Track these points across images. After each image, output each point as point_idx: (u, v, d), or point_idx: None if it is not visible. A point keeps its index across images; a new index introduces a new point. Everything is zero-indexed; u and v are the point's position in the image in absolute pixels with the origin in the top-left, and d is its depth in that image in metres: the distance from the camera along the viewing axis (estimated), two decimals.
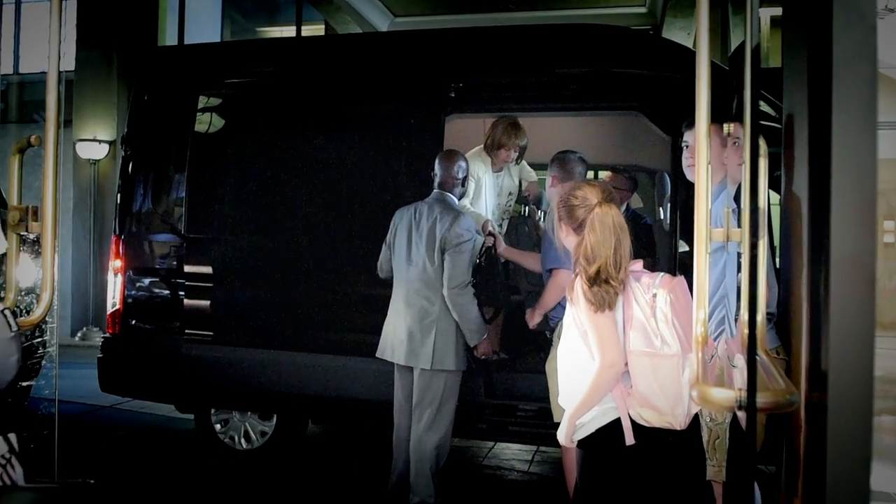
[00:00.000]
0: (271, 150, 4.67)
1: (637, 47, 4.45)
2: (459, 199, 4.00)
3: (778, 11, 5.55)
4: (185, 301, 4.73)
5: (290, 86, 4.75)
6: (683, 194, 3.78)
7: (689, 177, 3.04)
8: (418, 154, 4.25)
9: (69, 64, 10.33)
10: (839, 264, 1.84)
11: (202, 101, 4.87)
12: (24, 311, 3.93)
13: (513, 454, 5.25)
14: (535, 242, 4.82)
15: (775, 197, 2.86)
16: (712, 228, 1.78)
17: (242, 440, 4.80)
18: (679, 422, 2.44)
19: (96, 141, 10.59)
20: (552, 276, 3.69)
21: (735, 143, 2.49)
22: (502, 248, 4.14)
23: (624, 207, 4.55)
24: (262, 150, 4.70)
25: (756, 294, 1.71)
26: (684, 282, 2.48)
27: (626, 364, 2.46)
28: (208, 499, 4.33)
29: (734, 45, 8.54)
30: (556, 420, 3.18)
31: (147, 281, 4.88)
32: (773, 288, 2.74)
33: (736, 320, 2.67)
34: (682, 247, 3.85)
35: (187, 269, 4.74)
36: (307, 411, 4.81)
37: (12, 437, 1.94)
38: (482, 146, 4.47)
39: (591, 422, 2.51)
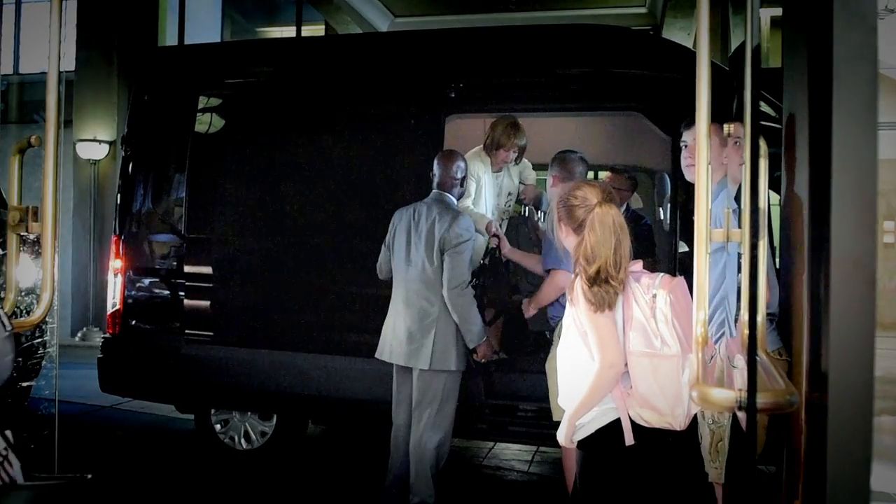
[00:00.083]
0: (271, 150, 4.67)
1: (637, 48, 4.45)
2: (458, 200, 4.00)
3: (778, 12, 5.55)
4: (185, 301, 4.73)
5: (291, 86, 4.75)
6: (683, 195, 3.78)
7: (687, 177, 3.04)
8: (418, 154, 4.25)
9: (69, 64, 10.33)
10: (839, 264, 1.84)
11: (202, 102, 4.87)
12: (24, 311, 3.94)
13: (513, 454, 5.25)
14: (535, 243, 4.82)
15: (775, 197, 2.86)
16: (712, 229, 1.78)
17: (242, 440, 4.80)
18: (679, 422, 2.44)
19: (96, 141, 10.59)
20: (550, 275, 3.70)
21: (736, 142, 2.49)
22: (507, 248, 4.14)
23: (624, 208, 4.55)
24: (262, 151, 4.69)
25: (756, 294, 1.71)
26: (684, 282, 2.48)
27: (626, 364, 2.46)
28: (208, 499, 4.33)
29: (734, 45, 8.54)
30: (555, 419, 3.18)
31: (147, 281, 4.88)
32: (774, 289, 2.74)
33: (736, 321, 2.67)
34: (682, 247, 3.85)
35: (187, 269, 4.73)
36: (307, 411, 4.81)
37: (8, 433, 1.94)
38: (481, 146, 4.47)
39: (591, 422, 2.51)
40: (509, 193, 4.67)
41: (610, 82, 4.22)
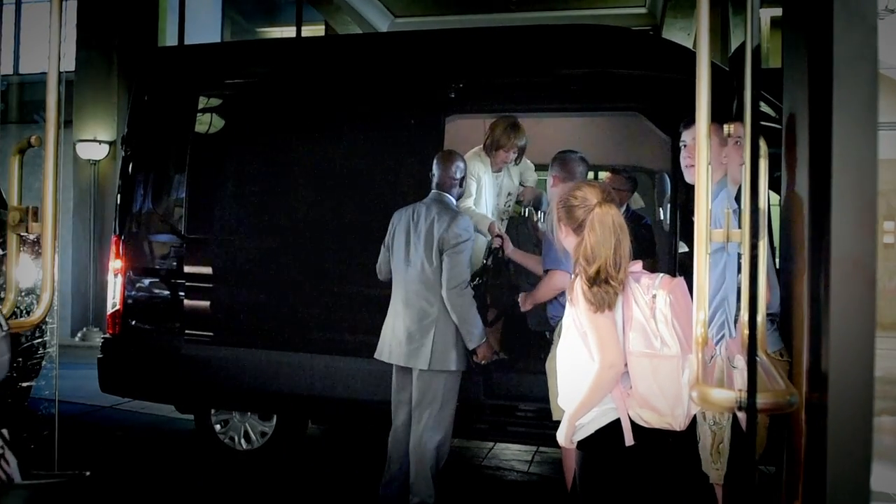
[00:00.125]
0: (271, 150, 4.67)
1: (637, 48, 4.45)
2: (459, 200, 4.00)
3: (778, 12, 5.55)
4: (185, 301, 4.73)
5: (291, 86, 4.75)
6: (683, 195, 3.78)
7: (687, 178, 3.03)
8: (418, 154, 4.25)
9: (69, 64, 10.33)
10: (839, 264, 1.84)
11: (202, 102, 4.87)
12: (24, 311, 3.94)
13: (512, 455, 5.25)
14: (535, 243, 4.81)
15: (775, 198, 2.86)
16: (712, 229, 1.78)
17: (242, 440, 4.80)
18: (679, 423, 2.44)
19: (96, 141, 10.59)
20: (548, 275, 3.72)
21: (737, 142, 2.49)
22: (510, 249, 4.14)
23: (624, 208, 4.54)
24: (262, 151, 4.69)
25: (756, 295, 1.71)
26: (684, 283, 2.48)
27: (626, 365, 2.46)
28: (208, 499, 4.33)
29: (734, 45, 8.54)
30: (555, 419, 3.18)
31: (147, 281, 4.88)
32: (774, 289, 2.74)
33: (736, 321, 2.67)
34: (682, 247, 3.85)
35: (187, 269, 4.73)
36: (307, 412, 4.81)
37: (4, 431, 1.94)
38: (481, 146, 4.47)
39: (591, 423, 2.51)
40: (509, 194, 4.67)
41: (610, 82, 4.22)
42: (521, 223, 5.11)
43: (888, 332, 8.78)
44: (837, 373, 1.83)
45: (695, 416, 2.60)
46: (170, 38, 11.35)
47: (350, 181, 4.48)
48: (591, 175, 5.04)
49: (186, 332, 4.69)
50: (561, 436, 2.57)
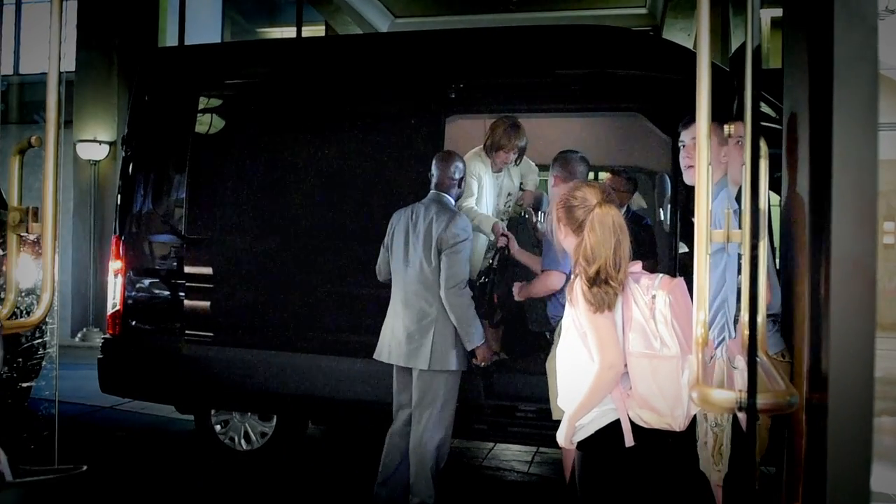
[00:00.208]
0: (272, 151, 4.67)
1: (637, 48, 4.45)
2: (459, 200, 4.00)
3: (779, 13, 5.55)
4: (186, 302, 4.73)
5: (291, 87, 4.75)
6: (684, 195, 3.78)
7: (685, 178, 3.03)
8: (419, 155, 4.25)
9: (69, 65, 10.33)
10: (839, 265, 1.84)
11: (202, 102, 4.87)
12: (24, 311, 3.94)
13: (512, 455, 5.25)
14: (535, 244, 4.81)
15: (775, 198, 2.86)
16: (712, 230, 1.78)
17: (242, 441, 4.80)
18: (678, 423, 2.44)
19: (97, 142, 10.59)
20: (543, 274, 3.75)
21: (738, 142, 2.48)
22: (515, 248, 4.14)
23: (624, 209, 4.54)
24: (262, 151, 4.69)
25: (756, 295, 1.71)
26: (683, 283, 2.48)
27: (626, 365, 2.46)
28: (208, 499, 4.33)
29: (735, 46, 8.54)
30: (555, 419, 3.18)
31: (147, 282, 4.88)
32: (776, 290, 2.73)
33: (736, 322, 2.67)
34: (682, 248, 3.85)
35: (187, 269, 4.73)
36: (307, 412, 4.81)
37: None
38: (482, 146, 4.46)
39: (591, 423, 2.51)
40: (509, 194, 4.67)
41: (610, 83, 4.22)
42: (521, 224, 5.11)
43: (888, 332, 8.78)
44: (837, 373, 1.83)
45: (695, 416, 2.60)
46: (170, 39, 11.35)
47: (350, 181, 4.48)
48: (591, 176, 5.04)
49: (186, 332, 4.69)
50: (561, 436, 2.57)
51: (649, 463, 2.57)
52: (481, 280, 4.11)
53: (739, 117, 1.85)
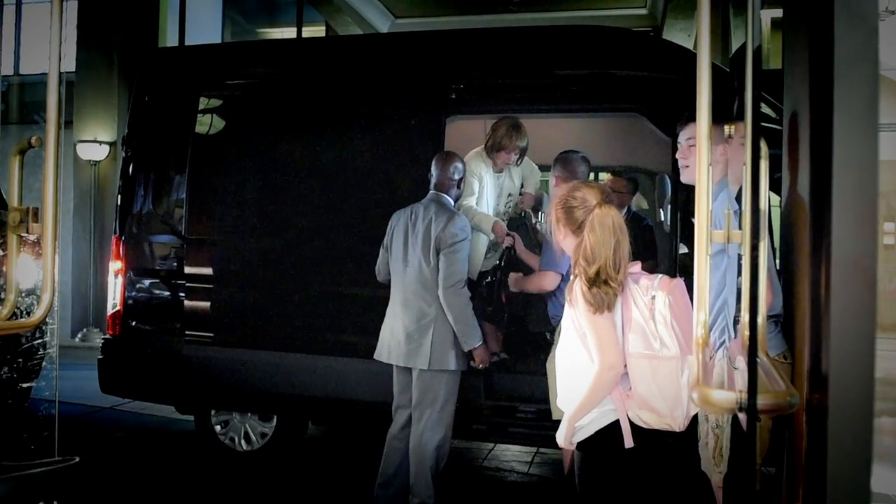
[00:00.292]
0: (272, 151, 4.67)
1: (637, 49, 4.45)
2: (459, 200, 4.00)
3: (779, 13, 5.55)
4: (186, 302, 4.73)
5: (291, 87, 4.75)
6: (684, 196, 3.78)
7: (682, 178, 3.02)
8: (419, 155, 4.25)
9: (70, 65, 10.34)
10: (839, 265, 1.84)
11: (203, 103, 4.87)
12: (24, 312, 3.94)
13: (512, 456, 5.25)
14: (534, 245, 4.81)
15: (776, 199, 2.86)
16: (713, 230, 1.78)
17: (242, 441, 4.80)
18: (678, 424, 2.44)
19: (97, 142, 10.59)
20: (540, 273, 3.75)
21: (740, 142, 2.48)
22: (520, 248, 4.14)
23: (625, 210, 4.54)
24: (262, 152, 4.69)
25: (757, 296, 1.71)
26: (683, 284, 2.48)
27: (625, 366, 2.46)
28: (209, 500, 4.33)
29: (735, 46, 8.54)
30: (555, 419, 3.18)
31: (147, 282, 4.88)
32: (777, 291, 2.73)
33: (737, 323, 2.67)
34: (683, 249, 3.85)
35: (188, 270, 4.73)
36: (307, 412, 4.81)
37: None
38: (483, 146, 4.46)
39: (591, 424, 2.51)
40: (509, 195, 4.67)
41: (610, 83, 4.22)
42: (521, 224, 5.11)
43: (888, 333, 8.78)
44: (838, 374, 1.83)
45: (695, 416, 2.60)
46: (170, 39, 11.36)
47: (350, 182, 4.48)
48: (591, 176, 5.04)
49: (187, 332, 4.69)
50: (560, 437, 2.57)
51: (649, 464, 2.57)
52: (488, 280, 4.11)
53: (740, 118, 1.84)
